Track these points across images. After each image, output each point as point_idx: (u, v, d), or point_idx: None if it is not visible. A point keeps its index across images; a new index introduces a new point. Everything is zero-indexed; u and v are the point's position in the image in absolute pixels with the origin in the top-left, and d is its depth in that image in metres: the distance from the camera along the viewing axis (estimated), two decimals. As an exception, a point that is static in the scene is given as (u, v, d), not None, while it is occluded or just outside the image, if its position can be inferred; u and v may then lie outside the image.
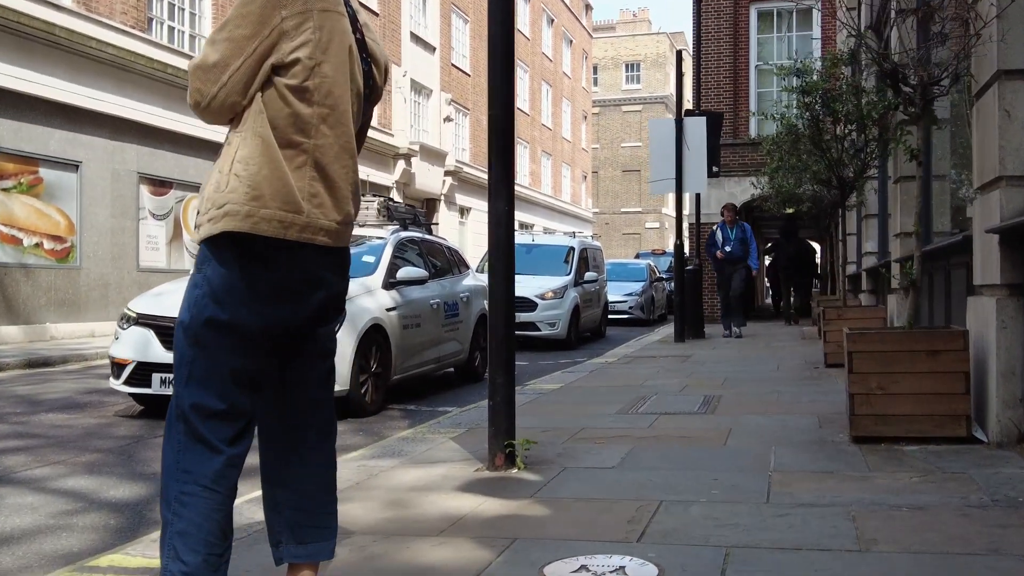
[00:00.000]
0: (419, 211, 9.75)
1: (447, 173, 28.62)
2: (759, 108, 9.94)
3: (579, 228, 47.56)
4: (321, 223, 2.20)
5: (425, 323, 8.37)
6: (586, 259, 16.20)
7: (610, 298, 21.06)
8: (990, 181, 4.39)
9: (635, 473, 4.15)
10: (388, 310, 7.66)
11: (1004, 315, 4.23)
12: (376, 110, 24.49)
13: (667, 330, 16.28)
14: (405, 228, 9.07)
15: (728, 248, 13.96)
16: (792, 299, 20.07)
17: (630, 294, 21.58)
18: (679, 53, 13.96)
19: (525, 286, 14.45)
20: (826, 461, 4.24)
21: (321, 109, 2.19)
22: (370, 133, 25.11)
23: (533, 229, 30.87)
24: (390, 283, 7.89)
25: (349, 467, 4.49)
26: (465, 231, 30.86)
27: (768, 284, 34.40)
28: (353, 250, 7.96)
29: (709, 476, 3.99)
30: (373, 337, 7.34)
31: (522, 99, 37.66)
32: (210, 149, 17.77)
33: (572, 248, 15.85)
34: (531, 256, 16.09)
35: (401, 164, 25.74)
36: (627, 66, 61.61)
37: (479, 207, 32.17)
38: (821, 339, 9.13)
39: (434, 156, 27.48)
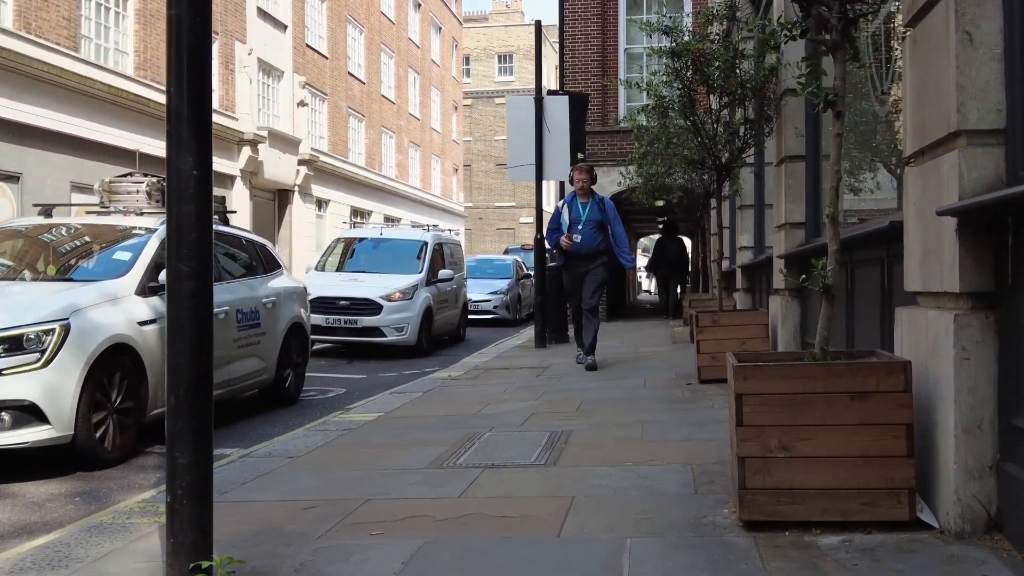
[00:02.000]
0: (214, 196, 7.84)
1: (302, 162, 26.41)
2: (627, 82, 8.47)
3: (450, 223, 45.86)
4: None
5: (206, 338, 6.53)
6: (442, 255, 14.55)
7: (473, 297, 19.54)
8: (939, 140, 2.97)
9: (404, 612, 2.51)
10: (143, 324, 5.79)
11: (966, 338, 2.81)
12: (216, 91, 22.06)
13: (531, 332, 14.79)
14: (187, 217, 7.16)
15: (579, 234, 8.74)
16: (672, 297, 19.71)
17: (494, 292, 20.07)
18: (538, 24, 12.46)
19: (370, 286, 12.73)
20: (707, 572, 2.71)
21: None
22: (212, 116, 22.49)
23: (400, 223, 28.83)
24: (150, 288, 6.02)
25: (-67, 608, 2.68)
26: (323, 225, 28.69)
27: (646, 279, 33.77)
28: (105, 246, 6.00)
29: (521, 620, 2.40)
30: (116, 360, 5.48)
31: (387, 86, 35.65)
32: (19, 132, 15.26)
33: (425, 243, 14.14)
34: (378, 252, 14.34)
35: (247, 151, 23.41)
36: (500, 58, 60.28)
37: (339, 199, 30.05)
38: (694, 347, 7.77)
39: (286, 143, 25.23)
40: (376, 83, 34.21)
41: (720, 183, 7.56)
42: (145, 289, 5.97)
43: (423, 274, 13.34)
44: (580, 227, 8.78)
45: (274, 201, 26.33)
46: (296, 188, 26.57)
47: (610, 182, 17.95)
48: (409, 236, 14.87)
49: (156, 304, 5.98)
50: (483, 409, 6.42)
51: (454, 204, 46.79)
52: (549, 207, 49.50)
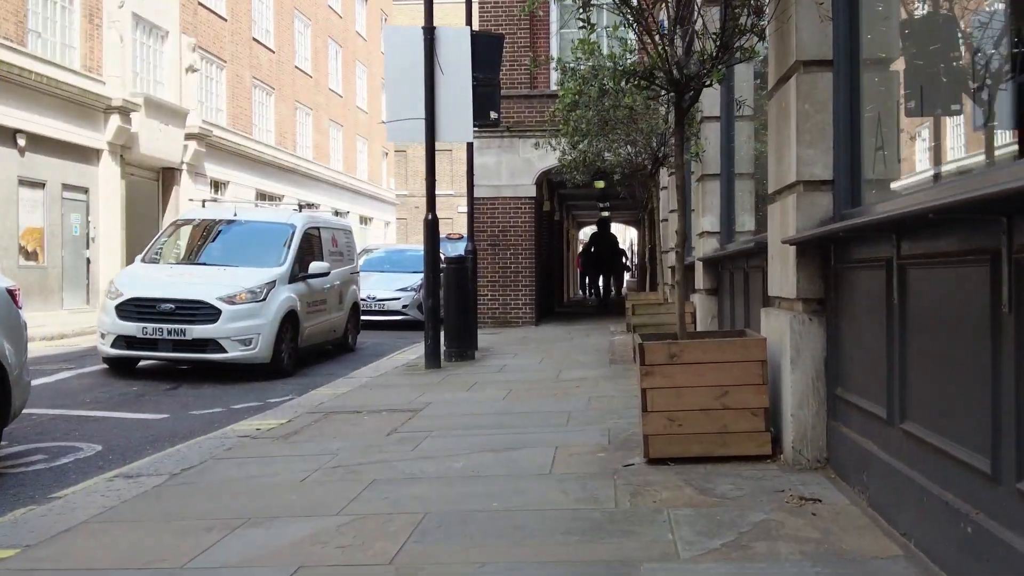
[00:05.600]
0: None
1: (190, 136, 22.74)
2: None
3: (380, 212, 42.32)
4: None
5: None
6: (318, 243, 11.23)
7: (377, 295, 16.35)
8: None
9: None
10: None
11: None
12: (77, 48, 18.21)
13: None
14: None
15: None
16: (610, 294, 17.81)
17: (404, 289, 16.76)
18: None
19: (206, 283, 9.35)
20: None
21: None
22: (68, 78, 18.94)
23: (319, 210, 25.22)
24: None
25: None
26: (220, 210, 25.05)
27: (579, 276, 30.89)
28: None
29: None
30: None
31: (302, 57, 32.01)
32: None
33: (294, 228, 10.73)
34: (231, 239, 10.92)
35: (116, 121, 19.70)
36: (437, 36, 56.78)
37: (241, 181, 26.42)
38: (639, 397, 4.64)
39: (169, 114, 21.55)
40: (288, 53, 30.56)
41: (682, 112, 4.40)
42: None
43: (285, 267, 10.01)
44: None
45: (158, 181, 22.69)
46: (184, 166, 22.92)
47: (539, 157, 14.85)
48: (273, 219, 11.49)
49: None
50: (211, 550, 3.20)
51: (384, 191, 43.29)
52: (447, 177, 44.06)
